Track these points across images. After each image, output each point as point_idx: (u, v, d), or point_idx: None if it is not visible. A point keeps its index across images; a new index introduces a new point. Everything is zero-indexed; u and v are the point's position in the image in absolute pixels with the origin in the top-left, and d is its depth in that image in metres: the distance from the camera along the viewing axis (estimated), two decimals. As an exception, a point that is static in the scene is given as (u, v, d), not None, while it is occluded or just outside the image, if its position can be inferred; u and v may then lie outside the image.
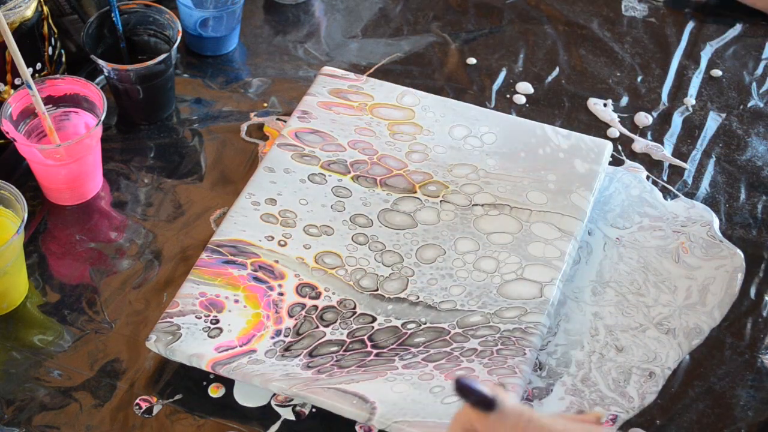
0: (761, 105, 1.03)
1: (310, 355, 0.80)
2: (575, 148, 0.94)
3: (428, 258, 0.86)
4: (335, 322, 0.82)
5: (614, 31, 1.10)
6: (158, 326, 0.81)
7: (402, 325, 0.82)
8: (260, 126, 1.00)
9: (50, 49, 0.97)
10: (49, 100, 0.91)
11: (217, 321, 0.81)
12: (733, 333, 0.85)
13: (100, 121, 0.90)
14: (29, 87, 0.88)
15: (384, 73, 1.05)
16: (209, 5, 1.05)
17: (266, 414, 0.79)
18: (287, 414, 0.79)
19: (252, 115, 1.01)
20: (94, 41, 0.97)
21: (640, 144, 0.99)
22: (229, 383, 0.81)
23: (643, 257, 0.89)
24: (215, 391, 0.81)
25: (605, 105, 1.03)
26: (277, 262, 0.85)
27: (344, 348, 0.80)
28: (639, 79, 1.05)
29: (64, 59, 1.00)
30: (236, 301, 0.83)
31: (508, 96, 1.03)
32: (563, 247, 0.86)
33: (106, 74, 0.97)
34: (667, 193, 0.95)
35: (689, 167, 0.97)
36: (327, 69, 1.01)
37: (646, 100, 1.03)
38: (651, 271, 0.88)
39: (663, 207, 0.93)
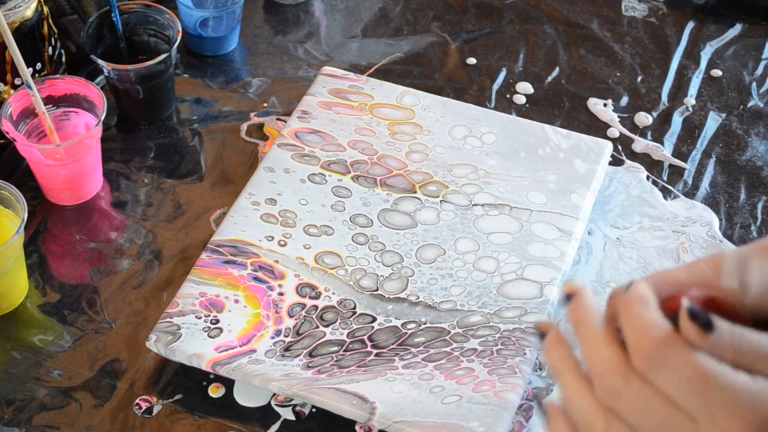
0: (761, 105, 1.03)
1: (310, 355, 0.80)
2: (575, 148, 0.94)
3: (428, 258, 0.86)
4: (335, 322, 0.82)
5: (614, 31, 1.10)
6: (158, 326, 0.81)
7: (402, 325, 0.82)
8: (260, 126, 1.00)
9: (50, 49, 0.97)
10: (49, 100, 0.91)
11: (217, 321, 0.81)
12: (733, 333, 0.85)
13: (100, 121, 0.90)
14: (29, 87, 0.88)
15: (384, 73, 1.05)
16: (209, 5, 1.05)
17: (266, 414, 0.79)
18: (287, 414, 0.79)
19: (252, 115, 1.01)
20: (94, 41, 0.97)
21: (640, 144, 0.99)
22: (229, 383, 0.81)
23: (643, 257, 0.89)
24: (215, 391, 0.81)
25: (605, 105, 1.03)
26: (277, 262, 0.85)
27: (344, 348, 0.80)
28: (639, 79, 1.05)
29: (64, 59, 1.00)
30: (236, 301, 0.83)
31: (508, 96, 1.03)
32: (563, 247, 0.86)
33: (106, 74, 0.97)
34: (667, 193, 0.95)
35: (689, 167, 0.97)
36: (327, 69, 1.01)
37: (646, 100, 1.03)
38: (651, 271, 0.88)
39: (663, 207, 0.93)
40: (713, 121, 1.01)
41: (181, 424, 0.79)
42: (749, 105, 1.03)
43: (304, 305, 0.83)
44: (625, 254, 0.90)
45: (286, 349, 0.80)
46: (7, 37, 0.86)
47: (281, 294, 0.83)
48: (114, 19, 0.97)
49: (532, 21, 1.11)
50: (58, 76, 0.94)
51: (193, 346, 0.79)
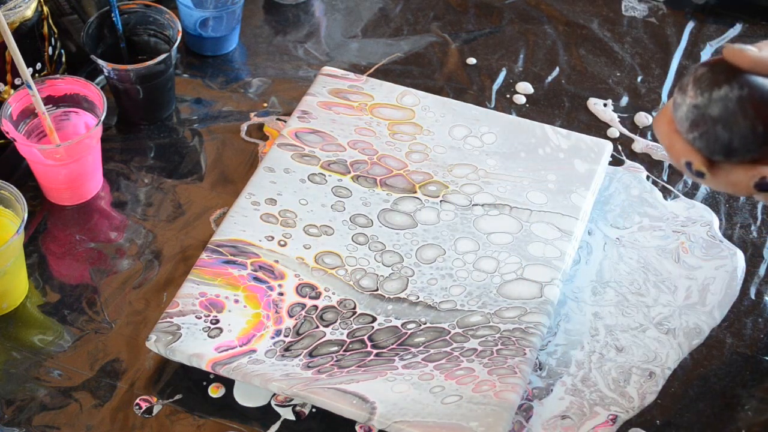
0: (761, 105, 1.03)
1: (310, 355, 0.80)
2: (575, 148, 0.94)
3: (428, 258, 0.86)
4: (335, 322, 0.82)
5: (614, 31, 1.10)
6: (158, 326, 0.81)
7: (402, 325, 0.82)
8: (260, 126, 1.00)
9: (50, 49, 0.97)
10: (49, 100, 0.91)
11: (217, 321, 0.81)
12: (733, 333, 0.85)
13: (100, 121, 0.90)
14: (29, 87, 0.88)
15: (384, 73, 1.05)
16: (209, 5, 1.05)
17: (266, 414, 0.79)
18: (287, 414, 0.79)
19: (252, 115, 1.01)
20: (94, 41, 0.97)
21: (640, 144, 0.99)
22: (229, 383, 0.81)
23: (643, 257, 0.89)
24: (215, 391, 0.81)
25: (605, 105, 1.03)
26: (277, 262, 0.85)
27: (344, 348, 0.80)
28: (639, 79, 1.05)
29: (64, 59, 1.01)
30: (236, 301, 0.83)
31: (508, 96, 1.03)
32: (563, 247, 0.86)
33: (106, 74, 0.97)
34: (667, 193, 0.95)
35: (689, 167, 0.97)
36: (327, 69, 1.01)
37: (646, 100, 1.03)
38: (651, 271, 0.88)
39: (663, 207, 0.93)
40: (713, 121, 1.01)
41: (181, 424, 0.79)
42: (749, 105, 1.03)
43: (304, 305, 0.83)
44: (625, 254, 0.90)
45: (286, 349, 0.80)
46: (7, 37, 0.86)
47: (281, 294, 0.83)
48: (114, 19, 0.97)
49: (532, 21, 1.11)
50: (58, 76, 0.94)
51: (193, 346, 0.79)
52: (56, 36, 0.98)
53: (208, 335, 0.80)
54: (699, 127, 0.61)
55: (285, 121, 0.99)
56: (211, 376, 0.81)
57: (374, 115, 0.97)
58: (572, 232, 0.87)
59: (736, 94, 0.60)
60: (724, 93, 0.60)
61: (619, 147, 0.99)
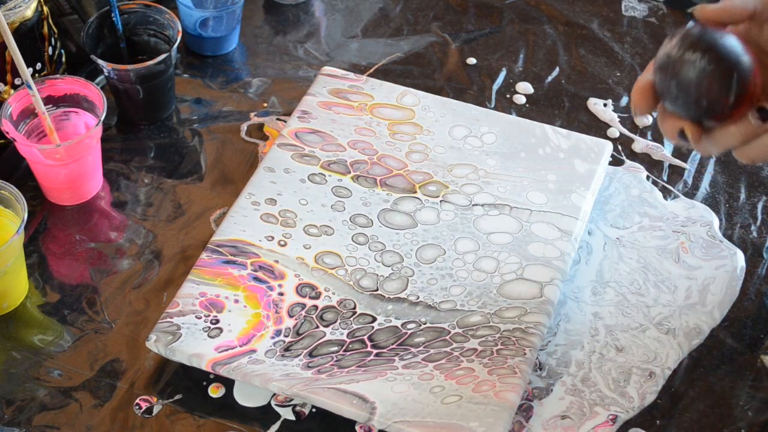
0: (761, 105, 1.03)
1: (310, 355, 0.80)
2: (575, 148, 0.94)
3: (428, 258, 0.86)
4: (335, 322, 0.82)
5: (614, 31, 1.10)
6: (158, 326, 0.81)
7: (402, 325, 0.82)
8: (260, 126, 1.00)
9: (50, 49, 0.97)
10: (49, 100, 0.91)
11: (217, 321, 0.81)
12: (733, 333, 0.85)
13: (100, 121, 0.90)
14: (29, 87, 0.88)
15: (384, 73, 1.05)
16: (209, 5, 1.05)
17: (266, 414, 0.79)
18: (287, 414, 0.80)
19: (252, 115, 1.01)
20: (94, 41, 0.97)
21: (640, 144, 0.99)
22: (229, 383, 0.81)
23: (643, 257, 0.89)
24: (215, 391, 0.81)
25: (605, 105, 1.03)
26: (277, 262, 0.85)
27: (344, 348, 0.80)
28: (639, 79, 1.05)
29: (64, 59, 1.01)
30: (236, 301, 0.83)
31: (508, 96, 1.03)
32: (563, 247, 0.86)
33: (106, 74, 0.97)
34: (667, 193, 0.95)
35: (689, 167, 0.97)
36: (327, 69, 1.01)
37: (646, 100, 1.03)
38: (651, 271, 0.88)
39: (663, 207, 0.93)
40: (713, 121, 1.01)
41: (181, 424, 0.79)
42: (749, 105, 1.03)
43: (304, 305, 0.83)
44: (625, 254, 0.90)
45: (286, 349, 0.80)
46: (7, 37, 0.86)
47: (281, 294, 0.83)
48: (114, 19, 0.97)
49: (532, 21, 1.11)
50: (58, 76, 0.94)
51: (193, 346, 0.79)
52: (56, 36, 0.98)
53: (208, 335, 0.80)
54: (662, 72, 0.67)
55: (285, 121, 0.99)
56: (211, 376, 0.81)
57: (374, 115, 0.97)
58: (572, 232, 0.87)
59: (702, 65, 0.65)
60: (693, 59, 0.66)
61: (619, 147, 0.99)
